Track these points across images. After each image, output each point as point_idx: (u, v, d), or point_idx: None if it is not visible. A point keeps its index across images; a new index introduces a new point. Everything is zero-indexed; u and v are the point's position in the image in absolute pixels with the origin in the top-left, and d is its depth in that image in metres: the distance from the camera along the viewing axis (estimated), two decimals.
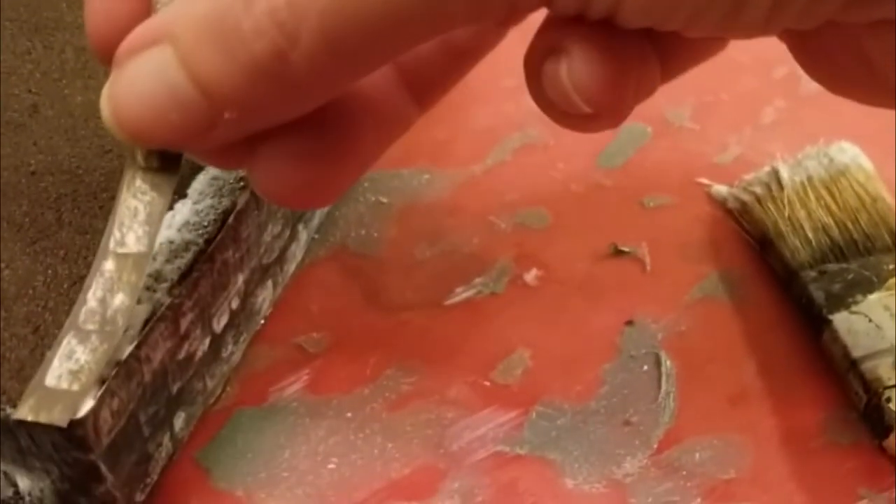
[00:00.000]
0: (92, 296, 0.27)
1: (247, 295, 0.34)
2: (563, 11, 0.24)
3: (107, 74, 0.36)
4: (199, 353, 0.31)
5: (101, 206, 0.31)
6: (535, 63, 0.26)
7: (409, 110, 0.29)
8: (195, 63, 0.24)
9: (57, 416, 0.25)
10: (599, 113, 0.26)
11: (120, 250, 0.27)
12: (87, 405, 0.26)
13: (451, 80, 0.30)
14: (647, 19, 0.24)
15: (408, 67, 0.28)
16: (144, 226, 0.27)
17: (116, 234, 0.27)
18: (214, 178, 0.32)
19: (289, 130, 0.26)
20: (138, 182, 0.27)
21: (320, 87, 0.25)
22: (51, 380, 0.26)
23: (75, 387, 0.26)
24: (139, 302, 0.28)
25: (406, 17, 0.23)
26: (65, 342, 0.26)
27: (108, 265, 0.27)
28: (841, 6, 0.23)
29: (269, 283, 0.35)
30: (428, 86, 0.29)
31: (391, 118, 0.29)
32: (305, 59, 0.23)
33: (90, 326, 0.26)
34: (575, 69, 0.25)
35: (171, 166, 0.27)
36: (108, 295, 0.27)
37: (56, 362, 0.26)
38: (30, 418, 0.25)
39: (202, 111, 0.24)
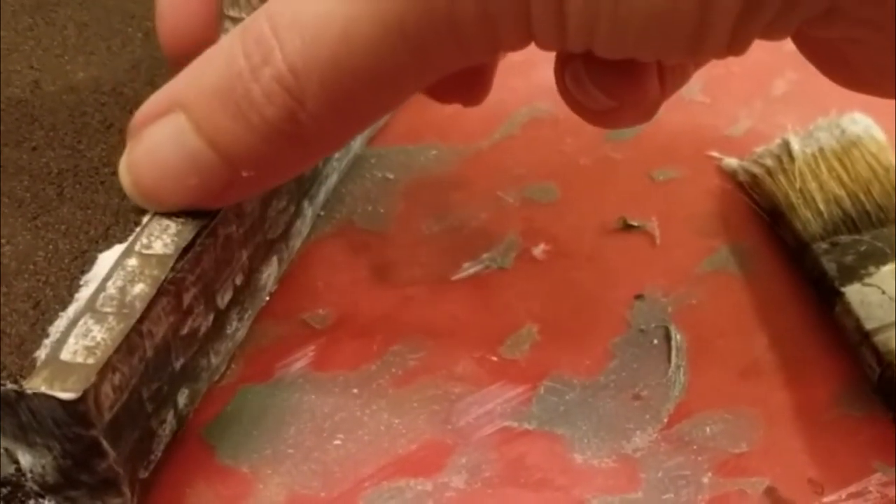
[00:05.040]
0: (112, 285, 0.27)
1: (251, 271, 0.33)
2: (545, 49, 0.25)
3: (109, 50, 0.36)
4: (203, 329, 0.31)
5: (103, 182, 0.31)
6: (560, 66, 0.28)
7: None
8: (211, 129, 0.26)
9: (70, 387, 0.25)
10: (624, 106, 0.28)
11: (145, 252, 0.27)
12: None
13: None
14: (620, 54, 0.24)
15: None
16: (174, 237, 0.28)
17: (144, 240, 0.28)
18: None
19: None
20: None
21: (330, 140, 0.27)
22: (66, 355, 0.26)
23: (90, 360, 0.26)
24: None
25: (396, 72, 0.25)
26: (80, 322, 0.26)
27: (132, 261, 0.27)
28: (793, 28, 0.24)
29: (275, 259, 0.35)
30: None
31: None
32: (313, 118, 0.25)
33: (107, 309, 0.26)
34: (595, 68, 0.27)
35: None
36: (129, 285, 0.27)
37: (72, 339, 0.26)
38: (43, 389, 0.25)
39: (221, 173, 0.26)
